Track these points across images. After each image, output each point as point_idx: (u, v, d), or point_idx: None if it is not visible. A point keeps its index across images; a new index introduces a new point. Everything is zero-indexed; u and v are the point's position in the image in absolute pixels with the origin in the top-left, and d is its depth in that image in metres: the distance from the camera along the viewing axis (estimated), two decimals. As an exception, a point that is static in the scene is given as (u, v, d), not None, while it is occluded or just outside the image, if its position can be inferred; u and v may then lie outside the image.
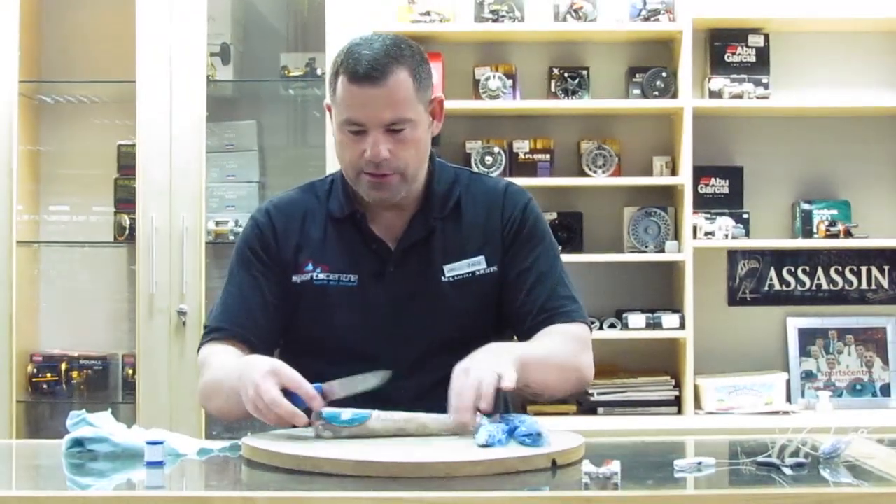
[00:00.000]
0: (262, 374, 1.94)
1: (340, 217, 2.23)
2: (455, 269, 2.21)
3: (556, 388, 2.16)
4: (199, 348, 2.25)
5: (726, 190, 4.23)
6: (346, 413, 1.93)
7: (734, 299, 4.31)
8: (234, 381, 2.01)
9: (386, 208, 2.21)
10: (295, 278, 2.21)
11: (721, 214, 4.14)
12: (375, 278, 2.20)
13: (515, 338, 2.26)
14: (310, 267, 2.21)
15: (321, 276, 2.20)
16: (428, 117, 2.17)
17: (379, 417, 1.93)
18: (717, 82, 4.14)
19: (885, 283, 4.29)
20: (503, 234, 2.24)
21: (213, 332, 2.22)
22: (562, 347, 2.16)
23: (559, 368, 2.14)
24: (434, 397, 1.98)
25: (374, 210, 2.22)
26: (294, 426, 1.93)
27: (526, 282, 2.22)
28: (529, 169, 4.15)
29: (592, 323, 4.00)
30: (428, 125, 2.18)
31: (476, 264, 2.22)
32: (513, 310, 2.23)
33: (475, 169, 3.89)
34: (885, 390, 4.23)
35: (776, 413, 4.03)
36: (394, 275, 2.20)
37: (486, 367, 1.92)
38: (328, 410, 1.92)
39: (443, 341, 2.16)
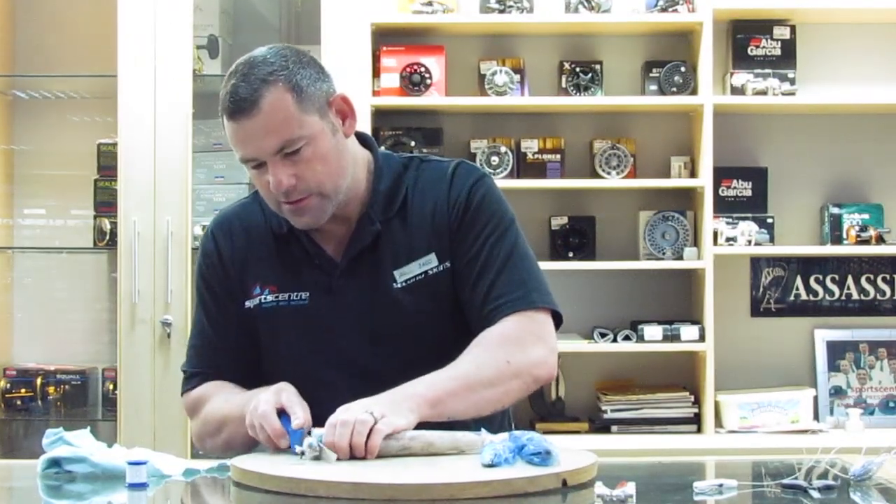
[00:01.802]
0: (267, 393, 2.02)
1: (280, 233, 2.21)
2: (406, 273, 2.15)
3: (494, 407, 2.08)
4: (182, 393, 2.29)
5: (749, 192, 4.23)
6: None
7: (758, 310, 4.31)
8: (244, 408, 2.06)
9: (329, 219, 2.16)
10: (247, 304, 2.22)
11: (743, 219, 4.14)
12: (324, 294, 2.17)
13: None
14: (258, 290, 2.20)
15: (269, 298, 2.19)
16: (330, 122, 2.10)
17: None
18: (740, 77, 4.15)
19: (919, 292, 4.31)
20: (450, 223, 2.17)
21: (195, 378, 2.27)
22: (491, 359, 2.06)
23: (488, 386, 2.05)
24: None
25: None
26: (282, 448, 1.97)
27: (472, 272, 2.14)
28: (538, 170, 4.16)
29: (605, 335, 4.04)
30: (332, 131, 2.10)
31: (427, 263, 2.16)
32: (464, 306, 2.17)
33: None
34: (920, 408, 4.24)
35: (803, 432, 4.02)
36: (342, 288, 2.16)
37: (367, 410, 1.89)
38: (320, 434, 1.90)
39: (405, 354, 2.12)
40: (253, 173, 2.12)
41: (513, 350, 2.09)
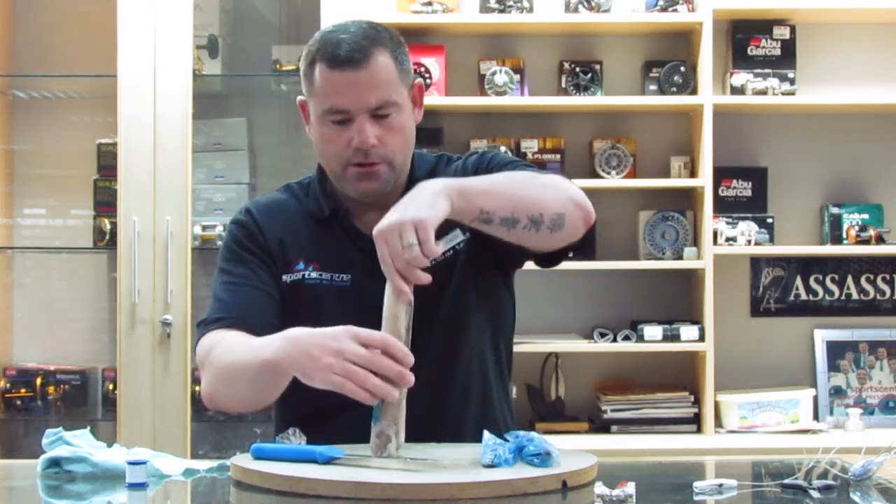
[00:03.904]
0: (341, 335, 1.88)
1: (321, 217, 2.24)
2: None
3: (531, 210, 2.00)
4: (196, 342, 2.16)
5: (749, 192, 4.23)
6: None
7: (757, 310, 4.31)
8: (268, 356, 1.93)
9: (369, 205, 2.20)
10: (285, 277, 2.21)
11: (743, 219, 4.14)
12: (367, 278, 2.19)
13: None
14: (301, 265, 2.21)
15: (313, 274, 2.20)
16: (411, 103, 2.21)
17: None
18: (740, 77, 4.15)
19: (919, 292, 4.30)
20: None
21: (216, 323, 2.14)
22: (529, 173, 2.10)
23: (529, 187, 2.03)
24: (440, 386, 2.06)
25: (356, 208, 2.23)
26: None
27: None
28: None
29: (605, 335, 4.05)
30: (412, 111, 2.21)
31: (453, 238, 2.08)
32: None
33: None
34: (920, 407, 4.24)
35: (803, 432, 4.02)
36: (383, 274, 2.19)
37: (401, 218, 1.88)
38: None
39: (440, 333, 2.17)
40: (331, 129, 2.13)
41: (558, 179, 2.10)
